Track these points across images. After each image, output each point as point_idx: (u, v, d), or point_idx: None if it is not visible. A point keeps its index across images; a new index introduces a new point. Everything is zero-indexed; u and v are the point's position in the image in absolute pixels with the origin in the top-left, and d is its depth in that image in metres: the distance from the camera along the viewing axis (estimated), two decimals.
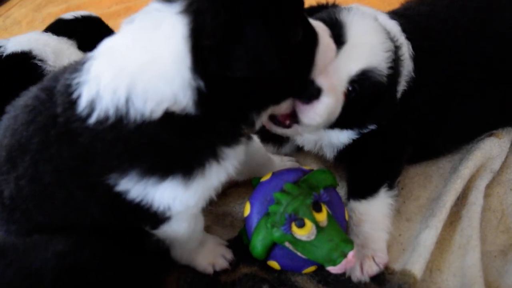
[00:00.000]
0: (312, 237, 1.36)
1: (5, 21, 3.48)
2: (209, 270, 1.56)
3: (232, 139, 1.28)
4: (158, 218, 1.33)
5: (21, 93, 1.44)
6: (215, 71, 1.10)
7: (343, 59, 1.47)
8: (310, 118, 1.43)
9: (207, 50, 1.08)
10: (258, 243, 1.43)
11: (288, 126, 1.48)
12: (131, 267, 1.39)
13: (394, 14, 1.76)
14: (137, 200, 1.25)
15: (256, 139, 1.77)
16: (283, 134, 1.59)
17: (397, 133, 1.71)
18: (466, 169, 1.76)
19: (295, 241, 1.38)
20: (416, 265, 1.50)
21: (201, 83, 1.11)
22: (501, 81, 1.77)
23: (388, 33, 1.57)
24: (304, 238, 1.36)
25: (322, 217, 1.38)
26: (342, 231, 1.41)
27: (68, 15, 2.42)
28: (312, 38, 1.32)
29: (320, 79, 1.40)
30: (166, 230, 1.40)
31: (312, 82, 1.39)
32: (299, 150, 2.02)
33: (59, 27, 2.35)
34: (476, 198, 1.68)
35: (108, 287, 1.25)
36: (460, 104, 1.75)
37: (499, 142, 1.87)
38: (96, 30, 2.39)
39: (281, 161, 1.90)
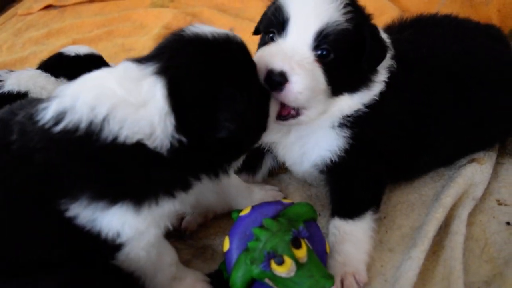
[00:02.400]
0: (292, 273, 1.33)
1: None
2: None
3: (189, 185, 1.36)
4: (109, 245, 1.30)
5: None
6: (201, 132, 1.26)
7: (294, 33, 1.53)
8: (293, 99, 1.50)
9: (191, 114, 1.25)
10: (238, 279, 1.40)
11: (297, 114, 1.58)
12: None
13: None
14: (87, 226, 1.25)
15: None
16: (297, 124, 1.63)
17: (382, 151, 1.72)
18: (448, 198, 1.75)
19: (275, 278, 1.35)
20: None
21: (183, 139, 1.25)
22: (474, 100, 1.80)
23: None
24: (283, 275, 1.33)
25: (301, 253, 1.35)
26: (322, 267, 1.38)
27: (70, 51, 2.35)
28: (265, 93, 1.48)
29: (278, 64, 1.47)
30: (124, 260, 1.37)
31: (271, 72, 1.47)
32: (280, 178, 2.01)
33: (59, 65, 2.29)
34: (459, 228, 1.66)
35: None
36: (437, 124, 1.77)
37: (481, 168, 1.88)
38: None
39: (263, 190, 1.88)
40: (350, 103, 1.64)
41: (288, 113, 1.57)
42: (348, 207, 1.69)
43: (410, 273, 1.52)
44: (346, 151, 1.66)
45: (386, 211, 1.81)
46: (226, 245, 1.47)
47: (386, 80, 1.66)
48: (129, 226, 1.28)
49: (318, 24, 1.51)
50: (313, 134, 1.70)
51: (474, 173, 1.85)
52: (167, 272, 1.49)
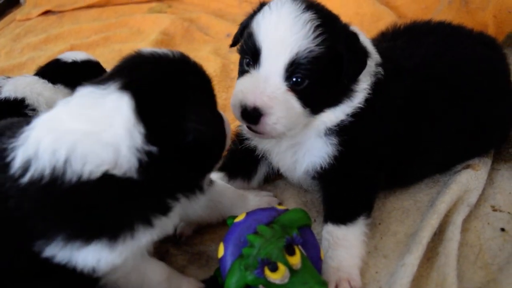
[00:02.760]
0: (286, 280, 1.34)
1: None
2: None
3: (167, 208, 1.34)
4: (86, 279, 1.30)
5: None
6: (170, 139, 1.25)
7: (266, 64, 1.55)
8: (270, 130, 1.56)
9: (160, 121, 1.24)
10: (232, 285, 1.39)
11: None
12: None
13: None
14: (63, 264, 1.24)
15: (219, 182, 1.80)
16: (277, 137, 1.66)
17: (372, 157, 1.73)
18: (443, 204, 1.75)
19: (269, 284, 1.35)
20: None
21: (153, 148, 1.22)
22: (468, 106, 1.81)
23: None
24: (277, 282, 1.34)
25: (295, 260, 1.36)
26: (316, 273, 1.39)
27: (67, 57, 2.34)
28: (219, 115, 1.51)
29: (251, 101, 1.52)
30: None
31: (245, 108, 1.52)
32: (275, 184, 2.02)
33: (56, 71, 2.29)
34: (453, 234, 1.66)
35: None
36: (430, 130, 1.78)
37: (476, 175, 1.88)
38: (95, 76, 2.32)
39: (258, 196, 1.89)
40: (332, 116, 1.65)
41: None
42: (340, 212, 1.70)
43: (404, 280, 1.52)
44: (335, 157, 1.67)
45: (381, 217, 1.82)
46: (221, 251, 1.47)
47: (373, 86, 1.66)
48: (105, 262, 1.26)
49: (288, 55, 1.52)
50: (303, 143, 1.72)
51: (469, 179, 1.85)
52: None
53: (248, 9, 1.62)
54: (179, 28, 3.29)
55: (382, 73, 1.69)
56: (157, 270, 1.49)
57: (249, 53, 1.60)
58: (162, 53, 1.35)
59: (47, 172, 1.19)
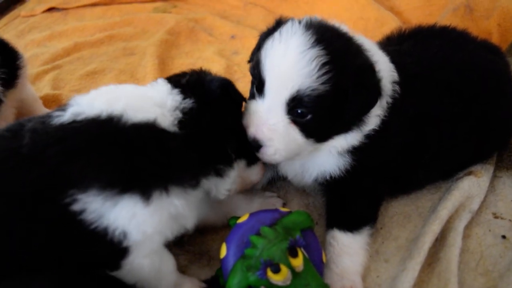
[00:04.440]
0: (288, 282, 1.34)
1: None
2: None
3: (198, 174, 1.46)
4: (115, 249, 1.30)
5: None
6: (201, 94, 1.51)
7: (269, 96, 1.54)
8: (270, 159, 1.59)
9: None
10: (234, 286, 1.40)
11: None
12: None
13: None
14: (93, 223, 1.25)
15: None
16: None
17: (383, 169, 1.73)
18: (445, 210, 1.75)
19: (271, 286, 1.35)
20: None
21: (189, 103, 1.46)
22: (472, 112, 1.81)
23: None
24: (279, 284, 1.34)
25: (298, 262, 1.36)
26: (318, 276, 1.40)
27: None
28: None
29: (252, 132, 1.56)
30: (128, 268, 1.37)
31: (249, 137, 1.57)
32: (278, 186, 2.02)
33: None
34: (455, 240, 1.67)
35: None
36: (437, 138, 1.78)
37: (478, 181, 1.89)
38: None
39: (262, 197, 1.90)
40: (343, 142, 1.62)
41: None
42: (348, 220, 1.69)
43: (405, 285, 1.53)
44: (346, 170, 1.66)
45: (383, 221, 1.82)
46: (223, 252, 1.48)
47: (388, 106, 1.62)
48: (137, 223, 1.28)
49: (289, 91, 1.49)
50: (313, 157, 1.70)
51: (471, 186, 1.86)
52: (170, 279, 1.51)
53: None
54: (184, 28, 3.29)
55: (399, 92, 1.65)
56: (172, 260, 1.52)
57: (255, 80, 1.60)
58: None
59: (103, 115, 1.32)
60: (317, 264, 1.45)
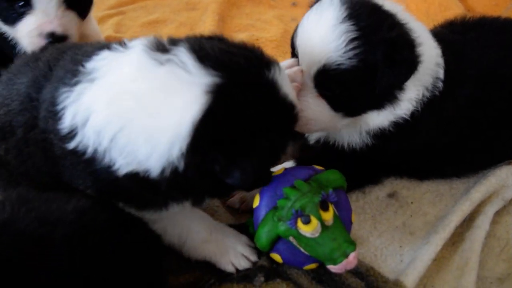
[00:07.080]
0: (317, 234, 1.39)
1: None
2: (230, 268, 1.57)
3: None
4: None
5: None
6: (213, 171, 1.21)
7: (303, 67, 1.57)
8: (304, 130, 1.65)
9: (213, 152, 1.19)
10: (263, 235, 1.46)
11: None
12: (142, 240, 1.41)
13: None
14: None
15: None
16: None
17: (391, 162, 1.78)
18: (478, 193, 1.77)
19: (299, 237, 1.41)
20: (410, 277, 1.53)
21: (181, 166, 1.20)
22: None
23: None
24: (308, 235, 1.39)
25: (328, 216, 1.40)
26: (346, 232, 1.44)
27: None
28: None
29: None
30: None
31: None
32: None
33: None
34: (482, 223, 1.69)
35: (119, 251, 1.27)
36: (477, 133, 1.77)
37: None
38: None
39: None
40: (376, 119, 1.63)
41: None
42: None
43: (425, 257, 1.57)
44: (361, 149, 1.70)
45: (414, 196, 1.85)
46: (256, 202, 1.53)
47: (423, 100, 1.61)
48: None
49: (316, 65, 1.52)
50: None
51: (509, 175, 1.84)
52: (196, 237, 1.56)
53: None
54: None
55: (441, 90, 1.63)
56: (201, 229, 1.57)
57: (292, 50, 1.64)
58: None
59: (89, 150, 1.28)
60: (346, 222, 1.48)
